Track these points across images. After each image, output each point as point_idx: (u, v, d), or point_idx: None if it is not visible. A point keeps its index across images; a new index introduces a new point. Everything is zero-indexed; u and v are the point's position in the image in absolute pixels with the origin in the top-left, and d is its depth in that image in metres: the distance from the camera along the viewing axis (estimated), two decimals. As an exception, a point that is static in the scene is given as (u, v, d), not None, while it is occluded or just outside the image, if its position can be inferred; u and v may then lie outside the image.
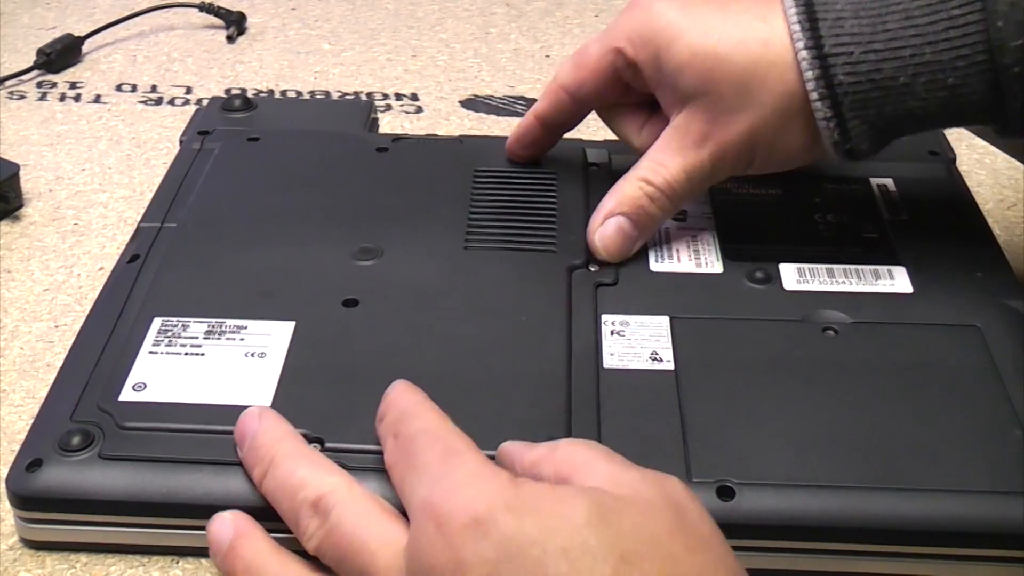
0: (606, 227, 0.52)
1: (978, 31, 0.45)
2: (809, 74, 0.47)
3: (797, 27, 0.47)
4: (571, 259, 0.52)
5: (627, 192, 0.52)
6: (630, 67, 0.52)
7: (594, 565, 0.32)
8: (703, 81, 0.49)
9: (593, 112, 0.56)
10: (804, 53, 0.47)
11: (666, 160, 0.51)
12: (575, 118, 0.57)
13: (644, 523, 0.33)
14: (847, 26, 0.47)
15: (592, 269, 0.52)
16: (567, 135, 0.58)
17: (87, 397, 0.45)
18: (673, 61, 0.49)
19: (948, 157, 0.61)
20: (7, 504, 0.43)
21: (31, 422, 0.45)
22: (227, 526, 0.40)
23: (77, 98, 0.75)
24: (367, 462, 0.42)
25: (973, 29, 0.45)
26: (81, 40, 0.80)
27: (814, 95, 0.47)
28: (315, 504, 0.38)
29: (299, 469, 0.40)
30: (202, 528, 0.42)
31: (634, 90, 0.53)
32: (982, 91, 0.46)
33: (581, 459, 0.36)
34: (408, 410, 0.40)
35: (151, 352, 0.47)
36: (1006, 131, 0.48)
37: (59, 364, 0.48)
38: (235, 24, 0.83)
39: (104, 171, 0.67)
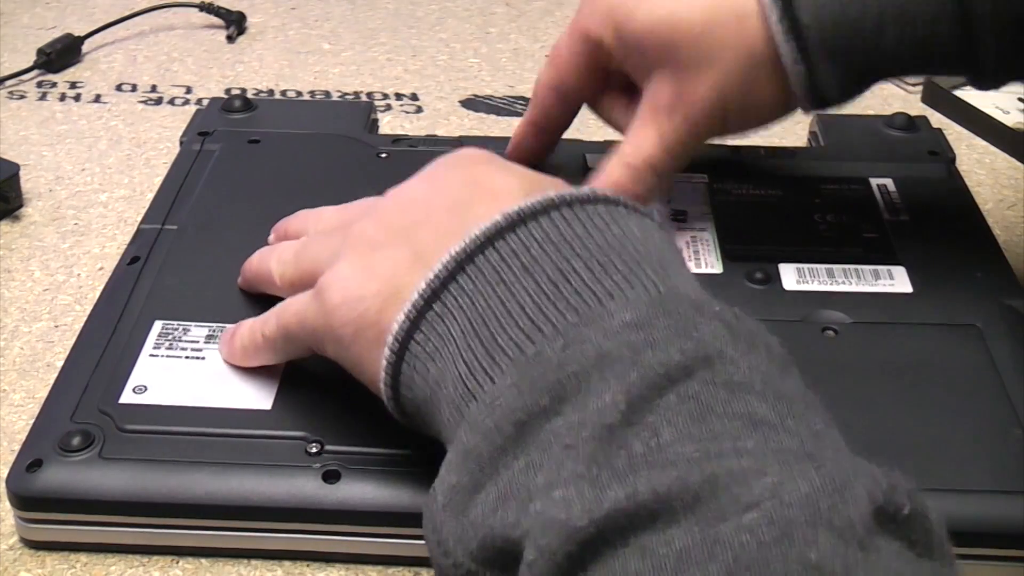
0: None
1: None
2: (773, 16, 0.46)
3: None
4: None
5: (611, 175, 0.52)
6: (600, 47, 0.51)
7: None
8: (664, 47, 0.48)
9: (594, 114, 0.56)
10: None
11: (642, 136, 0.51)
12: (567, 116, 0.56)
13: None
14: None
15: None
16: (568, 136, 0.58)
17: (87, 398, 0.45)
18: (633, 33, 0.49)
19: (948, 157, 0.61)
20: (7, 504, 0.43)
21: (31, 422, 0.45)
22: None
23: (77, 98, 0.75)
24: (368, 464, 0.42)
25: None
26: (81, 40, 0.80)
27: (780, 37, 0.46)
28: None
29: None
30: (202, 528, 0.42)
31: (614, 73, 0.53)
32: (952, 38, 0.45)
33: None
34: None
35: (152, 355, 0.47)
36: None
37: (59, 364, 0.48)
38: (235, 24, 0.83)
39: (104, 171, 0.67)
